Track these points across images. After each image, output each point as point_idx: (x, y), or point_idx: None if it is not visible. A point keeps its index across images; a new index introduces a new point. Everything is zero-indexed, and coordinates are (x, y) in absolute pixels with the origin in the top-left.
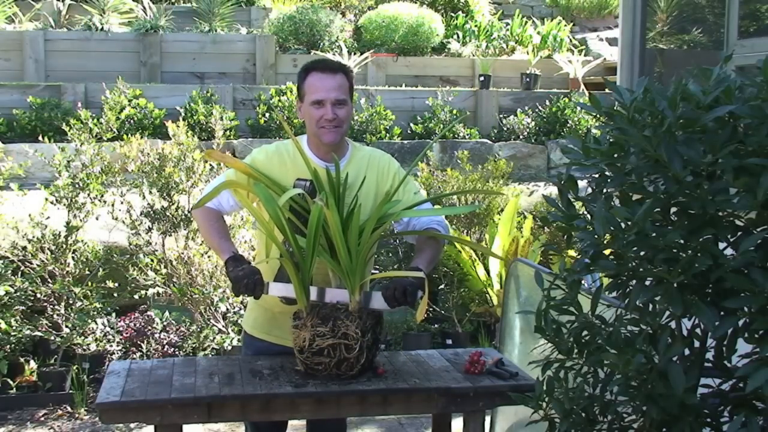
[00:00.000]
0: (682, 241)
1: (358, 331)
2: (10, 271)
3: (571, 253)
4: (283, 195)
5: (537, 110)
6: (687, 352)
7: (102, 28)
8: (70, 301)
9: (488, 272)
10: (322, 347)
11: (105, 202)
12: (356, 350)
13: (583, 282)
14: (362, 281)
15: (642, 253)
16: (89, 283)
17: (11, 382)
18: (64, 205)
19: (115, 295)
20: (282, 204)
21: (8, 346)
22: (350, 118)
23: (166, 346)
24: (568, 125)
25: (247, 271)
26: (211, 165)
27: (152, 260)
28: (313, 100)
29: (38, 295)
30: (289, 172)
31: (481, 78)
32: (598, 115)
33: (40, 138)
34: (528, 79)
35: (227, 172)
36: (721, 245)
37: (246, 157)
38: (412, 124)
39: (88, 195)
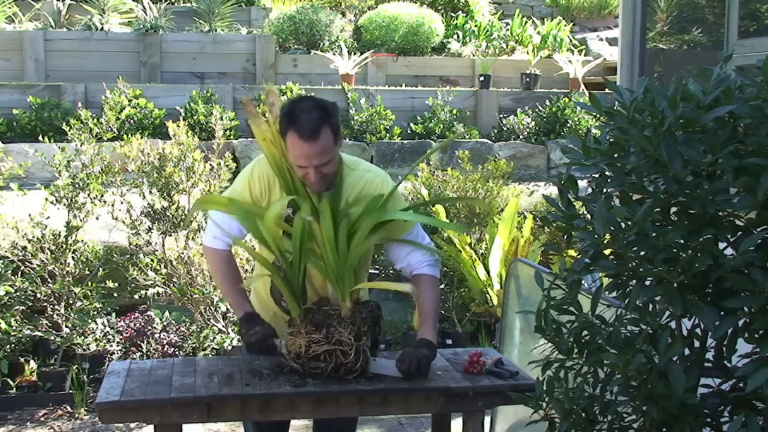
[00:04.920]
0: (682, 241)
1: (351, 336)
2: (10, 271)
3: (571, 253)
4: (268, 212)
5: (537, 110)
6: (687, 352)
7: (102, 28)
8: (70, 301)
9: (488, 272)
10: (318, 353)
11: (105, 202)
12: (352, 355)
13: (583, 282)
14: (354, 287)
15: (642, 253)
16: (89, 283)
17: (11, 382)
18: (64, 205)
19: (115, 295)
20: (271, 220)
21: (8, 346)
22: (337, 162)
23: (166, 346)
24: (568, 125)
25: (260, 336)
26: (211, 165)
27: (152, 260)
28: (295, 164)
29: (38, 295)
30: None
31: (481, 78)
32: (598, 115)
33: (40, 138)
34: (528, 79)
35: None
36: (721, 245)
37: (229, 190)
38: (412, 124)
39: (88, 195)
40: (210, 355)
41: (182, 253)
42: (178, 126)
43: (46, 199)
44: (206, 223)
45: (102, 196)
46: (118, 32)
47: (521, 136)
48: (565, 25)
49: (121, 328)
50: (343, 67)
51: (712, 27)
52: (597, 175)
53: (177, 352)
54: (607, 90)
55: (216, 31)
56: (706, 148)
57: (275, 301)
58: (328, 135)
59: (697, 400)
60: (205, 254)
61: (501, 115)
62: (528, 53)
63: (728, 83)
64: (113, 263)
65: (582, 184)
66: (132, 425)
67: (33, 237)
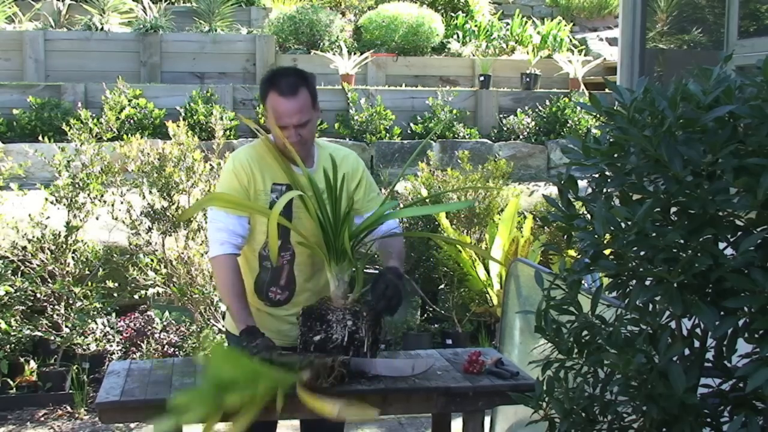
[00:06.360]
0: (682, 241)
1: (354, 327)
2: (10, 271)
3: (571, 253)
4: (275, 207)
5: (537, 110)
6: (687, 352)
7: (102, 28)
8: (70, 301)
9: (488, 272)
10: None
11: (105, 202)
12: (362, 335)
13: (583, 282)
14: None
15: (642, 253)
16: (89, 283)
17: (11, 382)
18: (64, 205)
19: (115, 295)
20: (276, 215)
21: (8, 346)
22: (315, 129)
23: (166, 346)
24: (568, 125)
25: (261, 347)
26: (211, 165)
27: (152, 260)
28: (276, 126)
29: (38, 295)
30: (266, 177)
31: (481, 78)
32: (598, 115)
33: (40, 138)
34: (528, 79)
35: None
36: (721, 245)
37: (218, 190)
38: (412, 124)
39: (88, 195)
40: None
41: (182, 253)
42: (178, 126)
43: (46, 199)
44: (206, 222)
45: (102, 196)
46: (118, 32)
47: (521, 136)
48: (565, 25)
49: (121, 328)
50: (343, 67)
51: (712, 27)
52: (597, 175)
53: (177, 352)
54: (607, 90)
55: (216, 31)
56: (706, 148)
57: (261, 296)
58: (306, 95)
59: (697, 400)
60: (213, 266)
61: (501, 115)
62: (528, 53)
63: (728, 83)
64: (113, 263)
65: (582, 184)
66: (132, 425)
67: (33, 237)
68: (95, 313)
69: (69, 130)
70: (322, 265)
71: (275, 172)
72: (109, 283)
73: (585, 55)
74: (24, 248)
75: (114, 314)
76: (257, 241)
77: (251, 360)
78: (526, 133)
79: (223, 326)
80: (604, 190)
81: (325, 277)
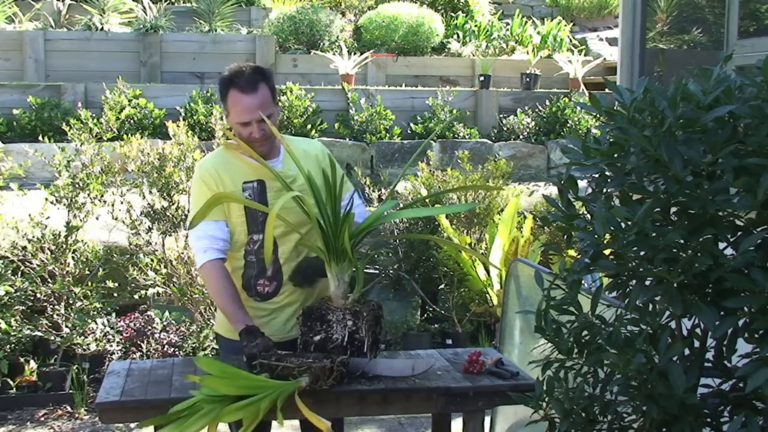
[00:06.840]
0: (682, 241)
1: (354, 327)
2: (10, 271)
3: (571, 253)
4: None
5: (537, 110)
6: (687, 352)
7: (102, 28)
8: (70, 301)
9: (488, 272)
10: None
11: (105, 202)
12: (362, 334)
13: (583, 282)
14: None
15: (642, 253)
16: (89, 283)
17: (11, 382)
18: (64, 205)
19: (115, 295)
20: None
21: (8, 346)
22: (277, 122)
23: (166, 346)
24: (568, 125)
25: (261, 347)
26: None
27: (152, 260)
28: (238, 122)
29: (38, 295)
30: (235, 178)
31: (481, 78)
32: (598, 115)
33: (40, 138)
34: (528, 79)
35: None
36: (721, 245)
37: (193, 204)
38: (412, 124)
39: (88, 195)
40: (210, 355)
41: (182, 253)
42: (178, 126)
43: (46, 199)
44: None
45: (102, 196)
46: (118, 32)
47: (521, 136)
48: (565, 25)
49: (121, 328)
50: (343, 67)
51: (712, 27)
52: (597, 175)
53: (177, 352)
54: (607, 90)
55: (216, 31)
56: (706, 148)
57: (250, 293)
58: (266, 90)
59: (697, 400)
60: (202, 274)
61: (501, 115)
62: (528, 53)
63: (728, 83)
64: (113, 263)
65: (582, 184)
66: (132, 425)
67: (33, 237)
68: (95, 313)
69: (69, 130)
70: (307, 252)
71: (244, 170)
72: (109, 283)
73: (585, 55)
74: (24, 248)
75: (114, 314)
76: (239, 242)
77: (247, 374)
78: (526, 133)
79: None
80: (604, 190)
81: None
